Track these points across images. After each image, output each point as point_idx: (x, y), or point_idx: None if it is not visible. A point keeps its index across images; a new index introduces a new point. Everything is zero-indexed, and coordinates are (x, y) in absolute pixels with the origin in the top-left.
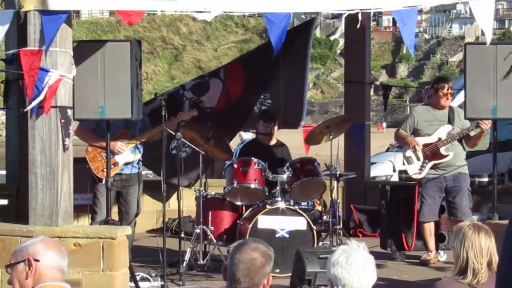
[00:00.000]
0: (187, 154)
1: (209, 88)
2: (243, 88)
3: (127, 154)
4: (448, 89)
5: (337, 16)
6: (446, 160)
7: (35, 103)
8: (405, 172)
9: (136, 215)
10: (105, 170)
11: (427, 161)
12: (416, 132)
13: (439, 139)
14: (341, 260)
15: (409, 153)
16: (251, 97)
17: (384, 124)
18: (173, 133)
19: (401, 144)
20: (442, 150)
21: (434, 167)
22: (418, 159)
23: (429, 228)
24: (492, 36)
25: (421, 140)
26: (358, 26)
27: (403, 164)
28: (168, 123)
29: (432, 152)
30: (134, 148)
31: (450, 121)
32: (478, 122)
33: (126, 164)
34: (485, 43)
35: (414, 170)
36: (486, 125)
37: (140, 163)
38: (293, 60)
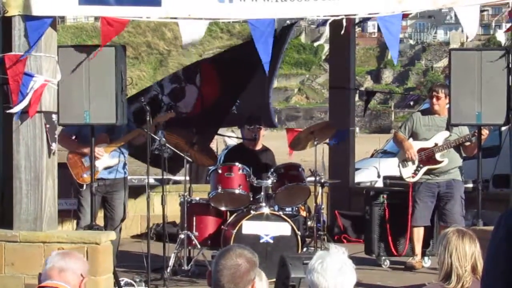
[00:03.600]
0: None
1: (185, 95)
2: (218, 93)
3: (105, 159)
4: (433, 92)
5: (323, 23)
6: (440, 166)
7: (20, 108)
8: (390, 177)
9: (122, 220)
10: (84, 175)
11: (421, 165)
12: (414, 136)
13: (436, 144)
14: (316, 265)
15: (404, 156)
16: (227, 100)
17: (357, 129)
18: (155, 136)
19: (398, 146)
20: (438, 156)
21: (428, 172)
22: (413, 163)
23: (418, 233)
24: (477, 42)
25: (417, 144)
26: (343, 31)
27: (398, 167)
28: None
29: (427, 157)
30: (115, 152)
31: (448, 127)
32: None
33: (107, 168)
34: (470, 49)
35: (408, 173)
36: (483, 135)
37: (126, 167)
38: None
